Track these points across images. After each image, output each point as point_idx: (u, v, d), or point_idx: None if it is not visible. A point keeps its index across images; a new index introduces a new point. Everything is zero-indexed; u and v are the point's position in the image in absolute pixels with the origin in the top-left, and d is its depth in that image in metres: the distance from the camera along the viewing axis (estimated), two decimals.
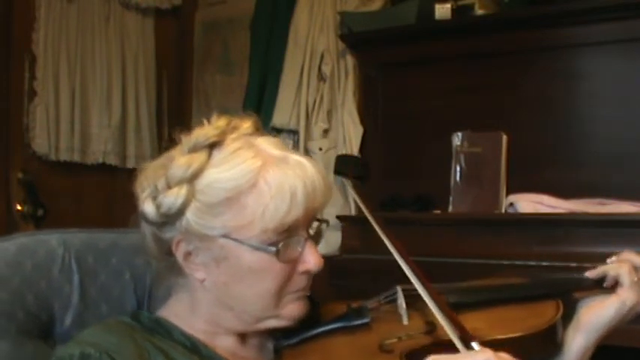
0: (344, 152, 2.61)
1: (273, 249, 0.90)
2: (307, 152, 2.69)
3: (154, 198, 0.91)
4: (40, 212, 2.75)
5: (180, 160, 0.91)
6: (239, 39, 3.21)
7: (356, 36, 2.63)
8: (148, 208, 0.91)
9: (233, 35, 3.30)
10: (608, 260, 1.07)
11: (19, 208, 2.73)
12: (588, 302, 1.05)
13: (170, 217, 0.91)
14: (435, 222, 2.27)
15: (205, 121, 0.97)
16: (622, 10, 2.13)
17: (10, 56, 2.81)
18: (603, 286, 1.05)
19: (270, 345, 1.00)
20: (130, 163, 3.05)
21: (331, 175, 2.60)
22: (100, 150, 3.01)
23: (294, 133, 2.74)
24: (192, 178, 0.90)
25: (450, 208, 2.30)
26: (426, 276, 0.97)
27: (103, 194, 2.96)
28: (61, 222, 2.81)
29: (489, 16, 2.40)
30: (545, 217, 2.09)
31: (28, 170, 2.79)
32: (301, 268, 0.94)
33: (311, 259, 0.94)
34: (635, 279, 1.02)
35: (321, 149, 2.67)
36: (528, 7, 2.33)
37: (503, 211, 2.21)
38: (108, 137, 3.02)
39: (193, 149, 0.92)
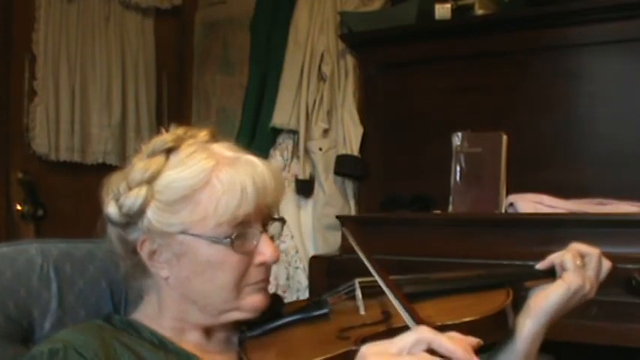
0: (344, 152, 2.61)
1: (228, 240, 0.96)
2: (307, 152, 2.70)
3: (117, 200, 0.99)
4: (40, 212, 2.75)
5: (139, 165, 1.00)
6: (239, 39, 3.21)
7: (356, 36, 2.63)
8: (111, 209, 0.99)
9: (233, 35, 3.30)
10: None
11: (19, 208, 2.73)
12: (537, 290, 1.10)
13: (132, 217, 0.99)
14: (435, 222, 2.27)
15: (164, 130, 1.04)
16: (622, 10, 2.13)
17: (10, 56, 2.81)
18: (552, 275, 1.10)
19: (235, 338, 1.05)
20: (130, 163, 3.04)
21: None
22: (100, 150, 3.01)
23: (294, 133, 2.73)
24: (150, 180, 0.98)
25: (450, 208, 2.30)
26: (385, 269, 1.02)
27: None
28: (60, 222, 2.84)
29: (489, 16, 2.40)
30: (545, 217, 2.09)
31: (28, 170, 2.79)
32: (257, 259, 1.00)
33: (267, 251, 1.00)
34: (579, 263, 1.08)
35: (321, 149, 2.67)
36: (528, 7, 2.33)
37: (503, 211, 2.21)
38: (108, 137, 3.02)
39: (152, 154, 1.00)
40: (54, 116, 2.87)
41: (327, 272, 2.25)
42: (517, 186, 2.22)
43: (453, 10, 2.40)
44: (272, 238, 1.03)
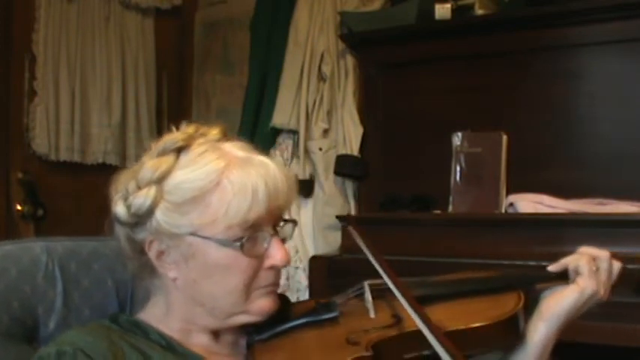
0: (344, 152, 2.61)
1: (238, 244, 0.94)
2: (307, 152, 2.70)
3: (125, 199, 0.97)
4: (40, 212, 2.75)
5: (148, 164, 0.98)
6: (239, 39, 3.21)
7: (356, 36, 2.63)
8: (119, 209, 0.98)
9: (233, 35, 3.30)
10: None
11: (18, 208, 2.73)
12: (549, 293, 1.08)
13: (141, 218, 0.97)
14: (435, 222, 2.27)
15: (174, 129, 1.02)
16: (622, 10, 2.13)
17: (10, 56, 2.80)
18: (565, 278, 1.08)
19: (243, 341, 1.04)
20: (130, 163, 3.00)
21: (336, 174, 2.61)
22: (100, 150, 3.01)
23: (294, 133, 2.73)
24: (160, 180, 0.96)
25: (450, 208, 2.30)
26: (395, 272, 1.00)
27: (103, 194, 2.95)
28: (61, 222, 2.83)
29: (489, 16, 2.40)
30: (545, 217, 2.09)
31: (28, 170, 2.79)
32: (267, 263, 0.98)
33: (277, 255, 0.98)
34: (594, 268, 1.06)
35: (321, 149, 2.67)
36: (528, 7, 2.33)
37: (503, 211, 2.21)
38: (108, 137, 3.02)
39: (162, 153, 0.98)
40: (54, 116, 2.87)
41: (327, 272, 2.25)
42: (517, 186, 2.22)
43: (453, 10, 2.40)
44: (283, 241, 1.01)
